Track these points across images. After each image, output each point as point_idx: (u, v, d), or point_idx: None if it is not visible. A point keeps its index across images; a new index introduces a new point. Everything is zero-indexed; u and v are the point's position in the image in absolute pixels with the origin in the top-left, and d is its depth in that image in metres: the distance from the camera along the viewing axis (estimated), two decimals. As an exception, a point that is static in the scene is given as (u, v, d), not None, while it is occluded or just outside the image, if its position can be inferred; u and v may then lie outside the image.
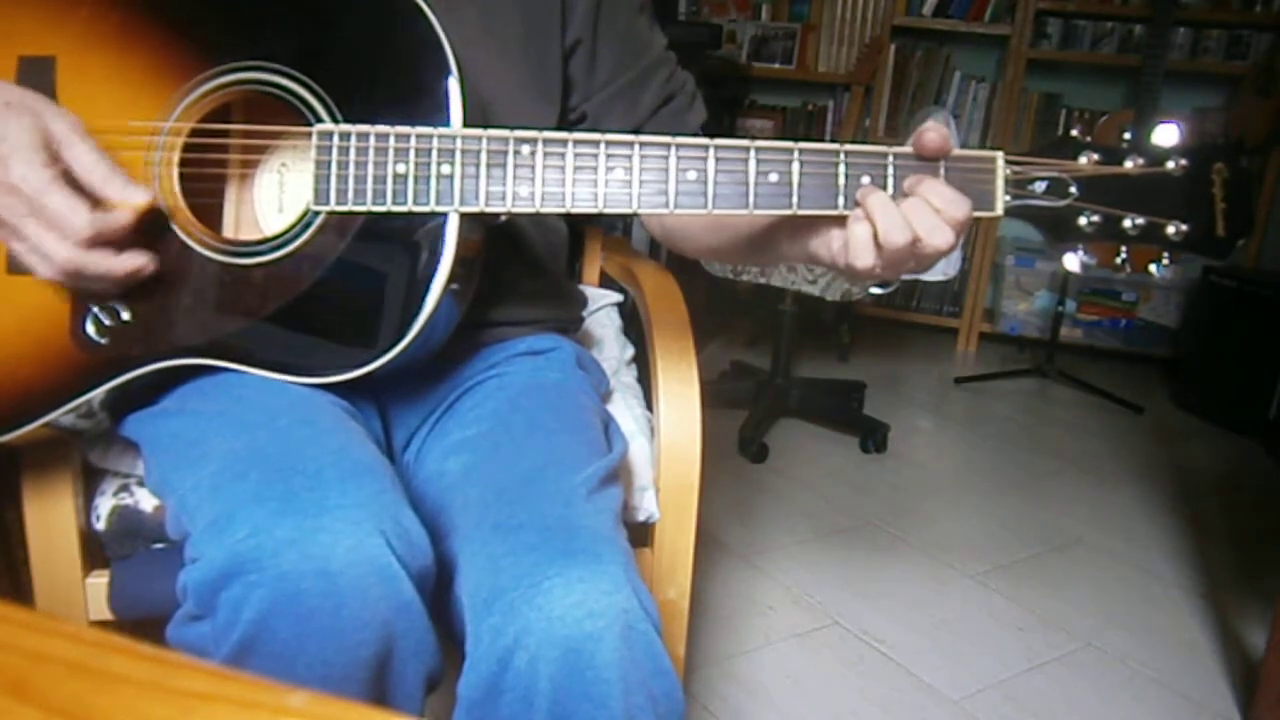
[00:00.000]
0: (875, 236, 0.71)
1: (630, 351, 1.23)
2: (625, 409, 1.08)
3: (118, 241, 0.72)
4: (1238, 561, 2.02)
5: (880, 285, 0.84)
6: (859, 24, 3.47)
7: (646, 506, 1.01)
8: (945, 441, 2.68)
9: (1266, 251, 3.17)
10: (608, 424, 0.95)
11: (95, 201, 0.71)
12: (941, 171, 0.73)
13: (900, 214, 0.71)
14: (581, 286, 1.31)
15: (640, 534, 1.03)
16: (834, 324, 3.23)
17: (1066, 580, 1.89)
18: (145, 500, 0.91)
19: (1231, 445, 2.71)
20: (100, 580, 0.92)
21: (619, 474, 0.87)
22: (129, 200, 0.71)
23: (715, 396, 2.50)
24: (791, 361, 2.61)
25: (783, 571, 1.83)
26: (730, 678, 1.51)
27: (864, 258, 0.72)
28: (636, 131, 0.76)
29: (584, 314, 1.16)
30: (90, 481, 0.93)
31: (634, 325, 1.23)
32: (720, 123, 3.55)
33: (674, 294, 1.15)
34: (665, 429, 1.02)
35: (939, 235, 0.71)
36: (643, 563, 1.02)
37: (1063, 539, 2.06)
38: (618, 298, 1.31)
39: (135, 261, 0.73)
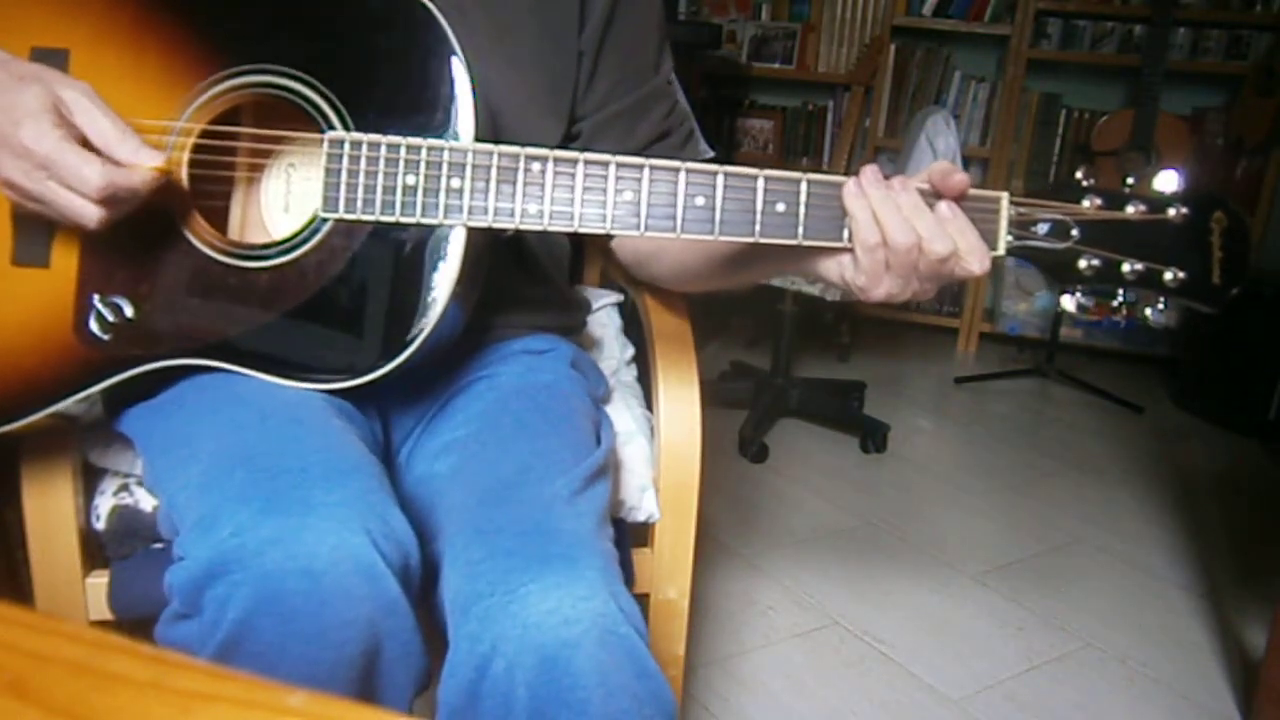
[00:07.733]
0: (879, 221, 0.73)
1: (630, 351, 1.23)
2: (625, 409, 1.08)
3: (135, 199, 0.72)
4: (1237, 561, 2.02)
5: None
6: (859, 24, 3.46)
7: (646, 506, 1.00)
8: (945, 441, 2.67)
9: (1266, 252, 3.17)
10: (599, 425, 0.95)
11: (110, 162, 0.71)
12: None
13: (895, 205, 0.73)
14: (582, 286, 1.31)
15: (640, 534, 1.03)
16: (834, 324, 3.23)
17: (1066, 580, 1.89)
18: (145, 500, 0.91)
19: (1231, 445, 2.71)
20: (100, 580, 0.92)
21: (607, 470, 0.86)
22: (141, 162, 0.71)
23: (715, 396, 2.50)
24: (791, 361, 2.60)
25: (783, 571, 1.83)
26: (730, 678, 1.51)
27: (872, 242, 0.73)
28: None
29: (586, 318, 1.16)
30: (90, 481, 0.93)
31: (634, 325, 1.23)
32: (720, 123, 3.55)
33: (674, 293, 1.15)
34: (665, 429, 1.02)
35: (939, 240, 0.72)
36: (643, 563, 1.02)
37: (1063, 539, 2.06)
38: (618, 297, 1.31)
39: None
